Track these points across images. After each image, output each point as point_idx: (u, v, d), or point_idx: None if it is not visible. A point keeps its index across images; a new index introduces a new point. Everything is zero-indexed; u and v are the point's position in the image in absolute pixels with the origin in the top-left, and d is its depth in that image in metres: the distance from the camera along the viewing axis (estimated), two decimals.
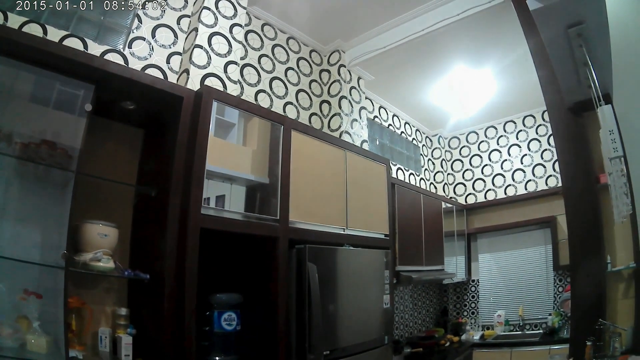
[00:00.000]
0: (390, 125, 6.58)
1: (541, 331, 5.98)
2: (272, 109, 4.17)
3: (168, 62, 3.44)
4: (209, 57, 3.33)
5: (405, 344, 5.36)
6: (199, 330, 2.65)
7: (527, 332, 6.17)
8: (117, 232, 2.68)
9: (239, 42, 3.61)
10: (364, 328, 3.51)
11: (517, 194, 6.98)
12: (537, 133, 7.05)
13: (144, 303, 2.68)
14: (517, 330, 6.29)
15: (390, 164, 5.19)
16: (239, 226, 2.83)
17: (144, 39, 3.36)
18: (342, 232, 3.62)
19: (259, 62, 4.35)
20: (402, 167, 6.57)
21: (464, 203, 7.41)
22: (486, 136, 7.60)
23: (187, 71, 3.23)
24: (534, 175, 6.92)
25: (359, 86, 5.36)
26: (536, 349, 5.48)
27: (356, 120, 5.08)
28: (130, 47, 3.27)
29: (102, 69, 2.40)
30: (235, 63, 3.53)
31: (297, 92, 4.70)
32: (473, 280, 7.06)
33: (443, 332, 6.22)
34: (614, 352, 2.77)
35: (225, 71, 3.43)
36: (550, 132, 6.70)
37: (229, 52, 3.50)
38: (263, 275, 3.03)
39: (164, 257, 2.52)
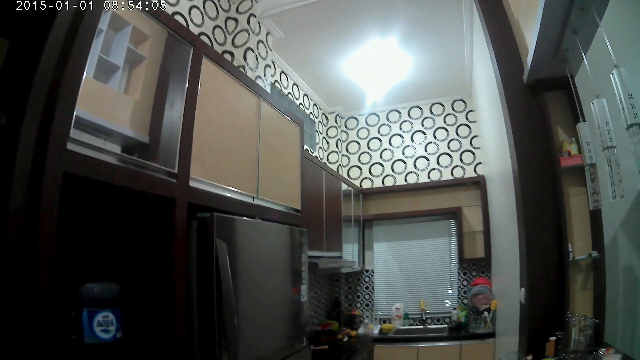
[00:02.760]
0: (290, 93, 5.95)
1: (446, 325, 5.84)
2: None
3: None
4: None
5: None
6: (65, 339, 1.81)
7: (429, 326, 5.98)
8: None
9: None
10: (283, 328, 2.84)
11: (419, 182, 6.70)
12: (445, 122, 6.85)
13: None
14: (418, 325, 6.07)
15: None
16: (120, 177, 1.94)
17: None
18: (252, 202, 2.91)
19: None
20: None
21: (359, 187, 6.96)
22: (388, 119, 7.25)
23: None
24: (438, 164, 6.69)
25: (266, 41, 4.69)
26: (445, 344, 5.26)
27: (260, 77, 4.41)
28: None
29: None
30: None
31: (199, 34, 3.91)
32: (367, 270, 6.67)
33: (338, 326, 5.75)
34: (578, 346, 2.52)
35: None
36: (459, 122, 6.74)
37: None
38: (152, 256, 2.20)
39: (6, 218, 1.59)
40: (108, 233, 2.32)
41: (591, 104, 2.15)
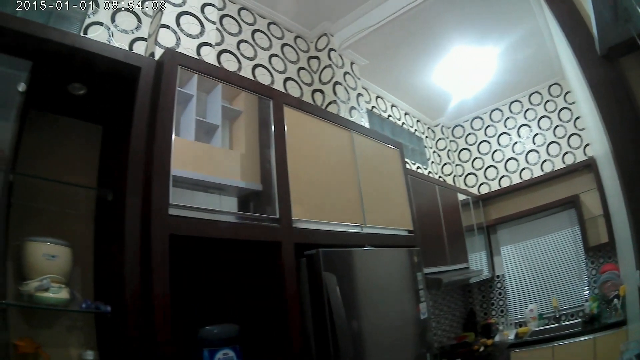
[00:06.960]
0: (390, 116, 6.01)
1: (580, 320, 5.46)
2: None
3: (131, 48, 2.89)
4: (178, 38, 2.72)
5: (440, 354, 4.73)
6: None
7: (564, 323, 5.62)
8: (70, 251, 2.00)
9: (212, 22, 3.01)
10: (401, 348, 2.83)
11: (534, 176, 6.47)
12: (545, 110, 6.62)
13: (113, 344, 1.98)
14: (552, 323, 5.73)
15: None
16: (223, 230, 2.11)
17: (102, 24, 2.80)
18: (360, 231, 2.96)
19: (238, 48, 3.74)
20: (408, 161, 5.93)
21: (478, 193, 6.82)
22: (492, 120, 7.13)
23: (152, 55, 2.60)
24: (549, 154, 6.45)
25: (352, 71, 4.81)
26: (580, 339, 4.90)
27: (354, 108, 4.49)
28: (85, 33, 2.69)
29: (37, 36, 1.78)
30: (210, 45, 2.95)
31: (285, 80, 4.10)
32: (498, 276, 6.48)
33: (474, 336, 5.68)
34: None
35: (199, 53, 2.84)
36: (560, 107, 6.46)
37: (202, 32, 2.90)
38: (265, 296, 2.34)
39: (124, 281, 1.80)
40: (224, 278, 2.52)
41: None
